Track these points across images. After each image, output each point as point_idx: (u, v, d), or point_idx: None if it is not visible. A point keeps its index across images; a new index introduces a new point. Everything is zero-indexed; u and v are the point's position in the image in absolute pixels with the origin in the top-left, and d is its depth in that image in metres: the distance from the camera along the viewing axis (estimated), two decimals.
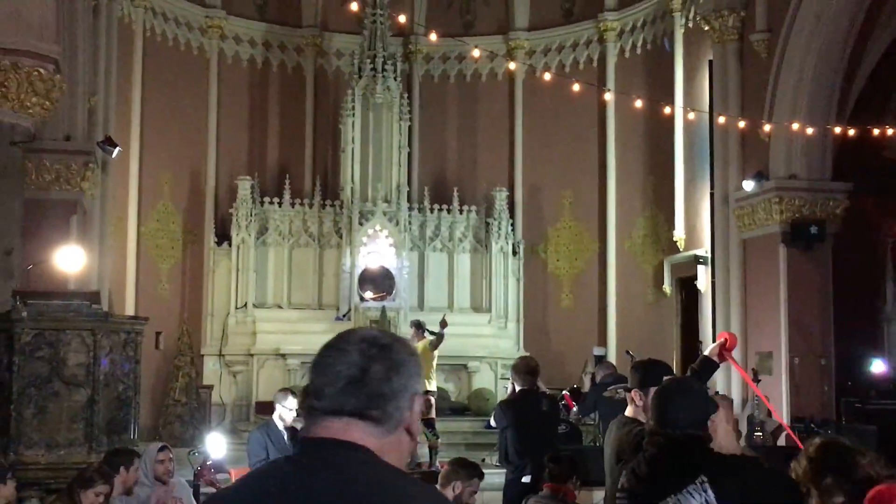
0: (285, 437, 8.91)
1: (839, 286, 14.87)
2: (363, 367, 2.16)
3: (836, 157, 14.97)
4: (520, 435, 8.32)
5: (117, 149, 13.03)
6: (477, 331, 18.88)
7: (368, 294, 18.62)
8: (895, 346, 17.09)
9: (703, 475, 3.46)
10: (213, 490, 8.92)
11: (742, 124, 15.15)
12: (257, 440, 8.83)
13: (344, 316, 18.46)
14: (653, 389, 4.23)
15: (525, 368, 8.51)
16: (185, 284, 18.65)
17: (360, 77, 18.93)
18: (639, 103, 16.60)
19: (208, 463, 8.31)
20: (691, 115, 17.02)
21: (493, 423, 8.71)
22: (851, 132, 14.21)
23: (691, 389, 3.99)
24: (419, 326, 13.90)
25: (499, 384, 18.18)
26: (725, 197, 15.72)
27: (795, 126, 14.24)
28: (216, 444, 8.76)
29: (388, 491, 2.07)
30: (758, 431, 13.80)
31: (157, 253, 18.11)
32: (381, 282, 18.74)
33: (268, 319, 18.33)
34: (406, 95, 19.28)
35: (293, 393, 9.02)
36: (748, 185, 14.95)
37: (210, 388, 17.57)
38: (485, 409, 17.46)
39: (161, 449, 7.77)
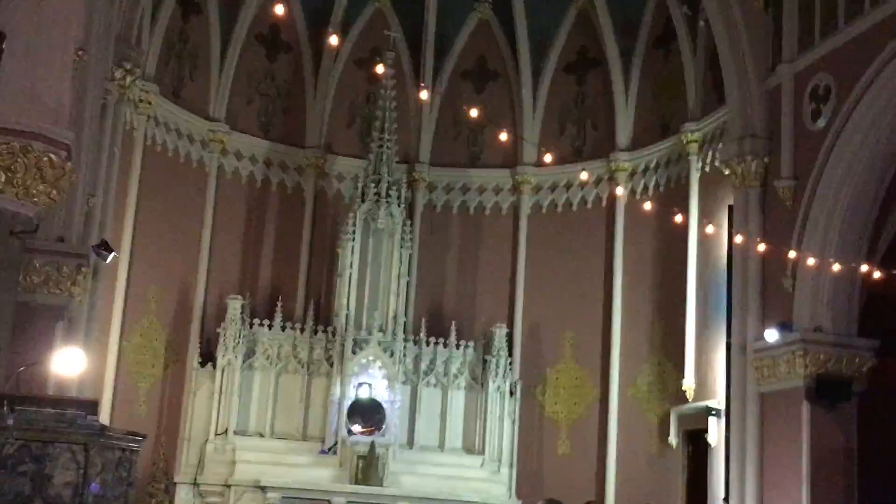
0: None
1: (863, 448, 14.08)
2: None
3: (861, 314, 14.38)
4: None
5: (112, 254, 12.22)
6: (469, 473, 17.88)
7: (357, 427, 17.62)
8: None
9: None
10: None
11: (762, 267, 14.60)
12: None
13: (329, 450, 17.45)
14: None
15: None
16: (163, 405, 17.59)
17: (363, 201, 18.37)
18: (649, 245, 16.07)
19: None
20: (698, 261, 16.55)
21: None
22: (877, 275, 13.53)
23: None
24: None
25: None
26: (743, 347, 15.02)
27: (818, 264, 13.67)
28: None
29: None
30: None
31: (137, 370, 17.09)
32: (370, 415, 17.77)
33: (249, 448, 17.24)
34: (409, 223, 18.69)
35: None
36: (771, 336, 14.27)
37: None
38: None
39: None
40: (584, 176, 17.60)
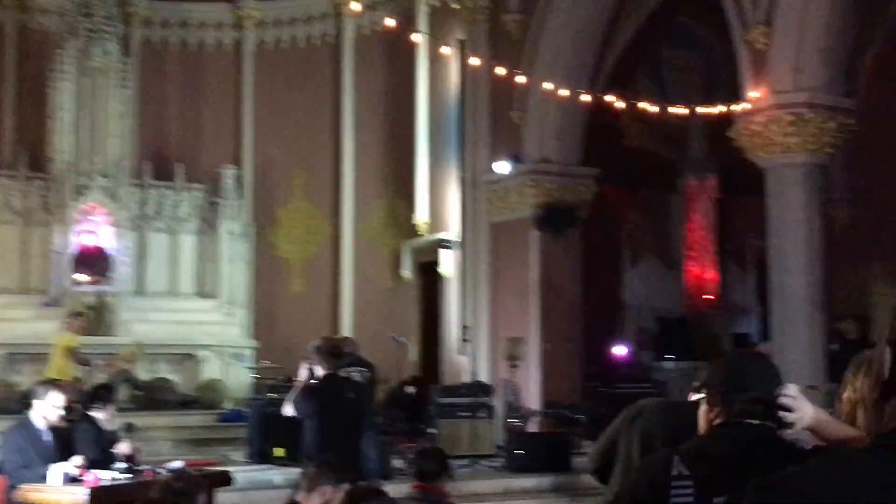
0: (48, 438, 7.54)
1: (585, 272, 14.98)
2: None
3: (584, 143, 15.06)
4: (324, 426, 7.43)
5: None
6: (203, 317, 17.57)
7: (82, 277, 16.83)
8: (631, 332, 17.54)
9: None
10: None
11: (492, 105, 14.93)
12: (14, 442, 7.41)
13: (53, 302, 16.59)
14: None
15: (329, 349, 7.62)
16: None
17: (75, 37, 17.09)
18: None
19: None
20: (428, 97, 16.69)
21: (289, 411, 7.69)
22: (609, 99, 14.05)
23: None
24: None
25: (228, 373, 17.01)
26: (474, 179, 15.45)
27: (551, 89, 14.13)
28: None
29: None
30: (513, 417, 13.63)
31: None
32: (96, 264, 17.00)
33: None
34: (126, 61, 17.60)
35: (57, 387, 7.67)
36: (502, 168, 14.73)
37: None
38: (216, 402, 16.30)
39: None
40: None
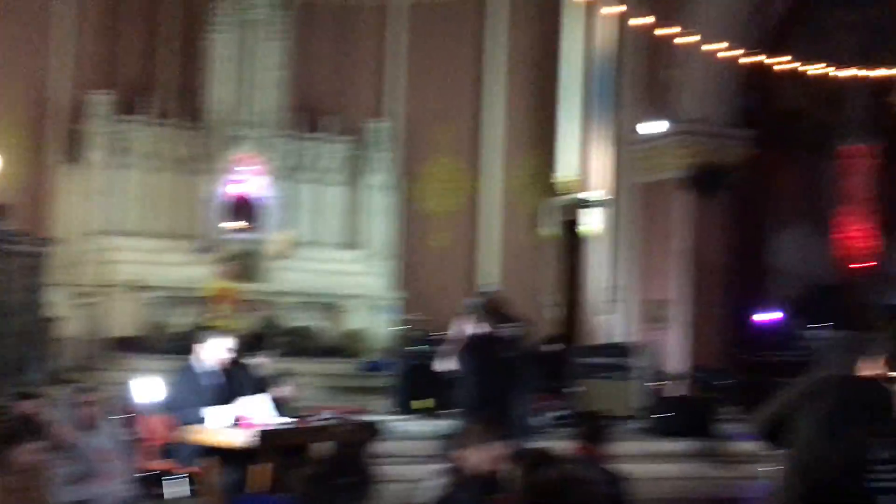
0: (209, 381, 7.80)
1: (734, 236, 14.66)
2: None
3: (738, 103, 14.66)
4: (480, 382, 7.49)
5: None
6: (348, 268, 17.86)
7: (233, 225, 17.28)
8: (779, 299, 17.08)
9: None
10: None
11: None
12: (177, 384, 7.71)
13: (205, 248, 17.10)
14: None
15: (487, 306, 7.65)
16: (26, 206, 16.77)
17: None
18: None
19: (135, 409, 7.12)
20: (579, 53, 16.42)
21: (443, 365, 7.77)
22: (764, 60, 13.64)
23: None
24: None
25: (373, 323, 17.29)
26: (623, 138, 15.23)
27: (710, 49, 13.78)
28: (144, 389, 7.55)
29: None
30: (657, 380, 13.48)
31: None
32: (247, 212, 17.43)
33: (123, 248, 16.70)
34: (282, 12, 17.86)
35: (219, 332, 7.92)
36: (652, 127, 14.47)
37: (57, 320, 15.87)
38: (359, 351, 16.59)
39: (83, 390, 6.59)
40: None
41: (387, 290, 17.95)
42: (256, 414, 7.50)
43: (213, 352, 7.71)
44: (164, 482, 7.37)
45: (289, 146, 17.82)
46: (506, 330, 9.51)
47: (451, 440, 5.66)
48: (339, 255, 17.96)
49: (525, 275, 17.40)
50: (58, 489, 6.04)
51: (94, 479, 6.37)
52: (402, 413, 12.53)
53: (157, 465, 7.84)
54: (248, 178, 17.43)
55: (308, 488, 3.41)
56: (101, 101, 16.72)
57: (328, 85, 19.05)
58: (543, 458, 3.90)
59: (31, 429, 5.33)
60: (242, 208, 17.43)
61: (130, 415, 7.45)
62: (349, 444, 5.12)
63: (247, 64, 17.46)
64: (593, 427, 5.67)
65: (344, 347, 16.76)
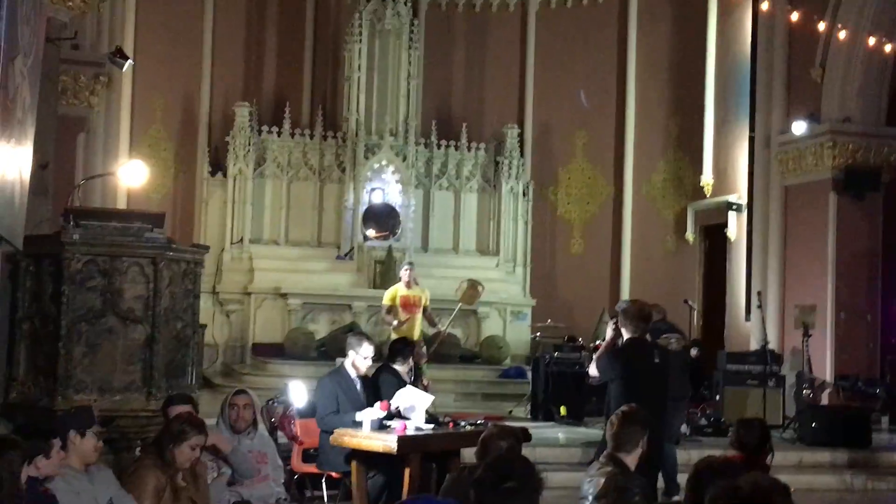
0: (357, 386, 7.90)
1: (887, 239, 14.13)
2: None
3: (890, 101, 14.14)
4: (628, 389, 7.36)
5: (129, 62, 11.65)
6: (484, 275, 17.79)
7: (371, 232, 17.52)
8: None
9: None
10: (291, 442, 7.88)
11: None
12: (328, 388, 7.82)
13: (346, 255, 17.37)
14: None
15: (638, 314, 7.51)
16: (175, 216, 17.36)
17: (368, 1, 17.69)
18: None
19: (290, 413, 7.25)
20: (718, 52, 16.07)
21: (593, 372, 7.68)
22: None
23: None
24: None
25: (507, 330, 17.27)
26: (767, 139, 14.85)
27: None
28: (298, 393, 7.69)
29: None
30: (806, 388, 13.09)
31: (147, 181, 16.73)
32: (385, 220, 17.65)
33: (265, 256, 17.15)
34: (415, 22, 18.05)
35: (368, 339, 8.01)
36: (797, 128, 14.05)
37: (203, 327, 16.33)
38: (497, 358, 16.58)
39: (238, 393, 6.74)
40: None
41: (523, 297, 17.93)
42: (416, 403, 7.50)
43: (363, 358, 7.80)
44: (316, 485, 7.47)
45: (425, 154, 17.97)
46: (657, 337, 9.35)
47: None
48: (476, 262, 17.99)
49: (667, 280, 17.11)
50: (216, 490, 6.20)
51: (248, 482, 6.49)
52: (542, 419, 12.50)
53: (310, 467, 7.98)
54: (385, 186, 17.66)
55: (477, 492, 3.39)
56: (244, 113, 17.15)
57: (462, 91, 19.17)
58: (712, 467, 3.80)
59: (191, 429, 5.48)
60: (381, 216, 17.66)
61: (284, 418, 7.58)
62: (510, 449, 5.07)
63: (383, 73, 17.70)
64: (752, 435, 5.51)
65: (482, 354, 16.77)
